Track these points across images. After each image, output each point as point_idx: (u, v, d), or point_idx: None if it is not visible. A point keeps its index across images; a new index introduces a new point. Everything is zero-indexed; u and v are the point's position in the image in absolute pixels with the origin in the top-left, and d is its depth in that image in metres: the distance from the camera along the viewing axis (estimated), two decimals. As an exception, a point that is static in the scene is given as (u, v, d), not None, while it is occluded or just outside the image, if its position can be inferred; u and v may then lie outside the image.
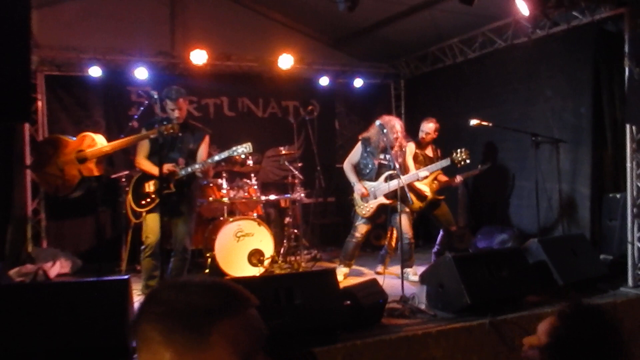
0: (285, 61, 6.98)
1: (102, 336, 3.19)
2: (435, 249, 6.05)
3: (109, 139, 4.96)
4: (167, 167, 4.43)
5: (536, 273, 4.48)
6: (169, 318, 0.87)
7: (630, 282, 4.84)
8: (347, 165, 5.55)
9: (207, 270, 5.80)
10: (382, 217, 5.58)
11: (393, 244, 5.89)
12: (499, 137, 6.50)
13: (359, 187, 5.40)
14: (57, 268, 5.90)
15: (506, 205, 6.63)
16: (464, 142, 6.59)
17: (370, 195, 5.38)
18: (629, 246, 4.91)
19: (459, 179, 5.90)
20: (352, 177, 5.49)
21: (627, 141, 4.97)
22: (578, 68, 5.69)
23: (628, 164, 4.96)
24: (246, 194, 6.07)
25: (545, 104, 6.06)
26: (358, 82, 7.99)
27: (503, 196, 6.66)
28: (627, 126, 4.95)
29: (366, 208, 5.40)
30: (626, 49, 4.77)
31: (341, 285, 4.01)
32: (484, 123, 5.95)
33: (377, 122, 5.19)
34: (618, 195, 5.42)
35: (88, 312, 3.23)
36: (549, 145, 5.71)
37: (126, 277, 3.64)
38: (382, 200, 5.33)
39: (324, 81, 7.76)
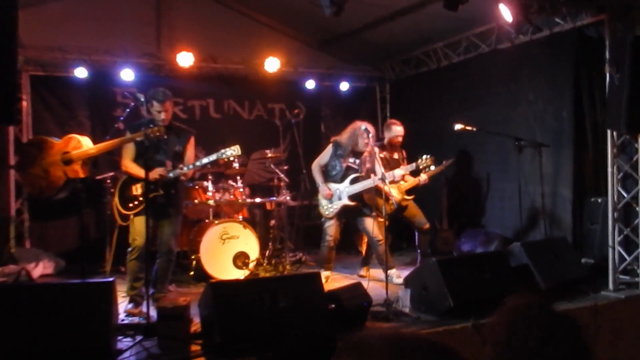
0: (272, 64, 7.00)
1: (86, 338, 3.19)
2: (418, 252, 6.10)
3: (94, 140, 4.94)
4: (158, 171, 4.42)
5: (519, 276, 4.54)
6: None
7: (611, 285, 4.92)
8: (316, 166, 5.62)
9: (191, 273, 5.79)
10: (353, 220, 5.63)
11: (363, 249, 5.97)
12: (482, 139, 6.57)
13: (323, 188, 5.49)
14: (40, 269, 5.85)
15: (489, 208, 6.71)
16: (447, 144, 6.68)
17: (334, 196, 5.45)
18: (610, 250, 4.99)
19: (423, 177, 5.93)
20: (318, 177, 5.57)
21: (608, 146, 5.06)
22: (560, 73, 5.78)
23: (609, 169, 5.05)
24: (232, 196, 6.07)
25: (527, 108, 6.15)
26: (344, 85, 8.03)
27: (486, 199, 6.74)
28: (609, 131, 5.04)
29: (330, 209, 5.49)
30: (607, 54, 4.86)
31: (326, 289, 4.03)
32: (468, 128, 6.03)
33: (350, 127, 5.33)
34: (599, 199, 5.52)
35: (72, 314, 3.22)
36: (532, 148, 5.80)
37: (111, 279, 3.64)
38: (346, 202, 5.41)
39: (310, 84, 7.78)
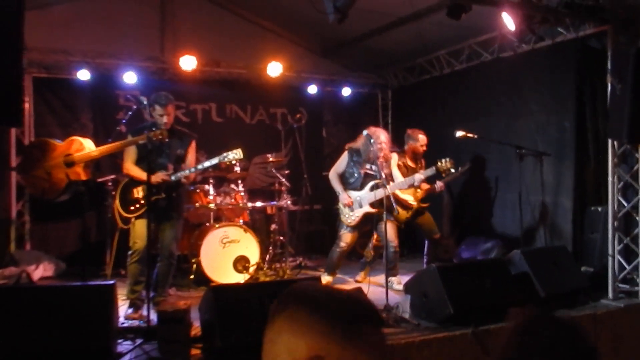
0: (275, 69, 7.02)
1: (87, 341, 3.19)
2: (425, 260, 6.10)
3: (96, 143, 4.95)
4: (161, 175, 4.43)
5: (519, 284, 4.54)
6: (327, 311, 0.95)
7: (610, 294, 4.93)
8: (333, 174, 5.59)
9: (192, 276, 5.79)
10: (368, 227, 5.63)
11: (372, 252, 5.94)
12: (484, 148, 6.59)
13: (343, 197, 5.45)
14: (41, 271, 5.84)
15: (490, 216, 6.72)
16: (449, 153, 6.65)
17: (355, 204, 5.43)
18: (610, 259, 5.01)
19: (439, 184, 5.94)
20: (337, 186, 5.53)
21: (609, 156, 5.08)
22: (562, 83, 5.81)
23: (610, 178, 5.06)
24: (233, 200, 6.08)
25: (529, 117, 6.17)
26: (346, 91, 8.06)
27: (487, 207, 6.75)
28: (609, 141, 5.06)
29: (352, 217, 5.44)
30: (609, 65, 4.89)
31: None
32: (470, 135, 6.04)
33: (365, 133, 5.25)
34: (600, 209, 5.52)
35: (73, 316, 3.23)
36: (533, 158, 5.81)
37: (112, 282, 3.65)
38: (368, 209, 5.37)
39: (313, 89, 7.81)
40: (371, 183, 5.39)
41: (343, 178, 5.56)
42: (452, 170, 5.53)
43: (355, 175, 5.47)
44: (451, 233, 6.61)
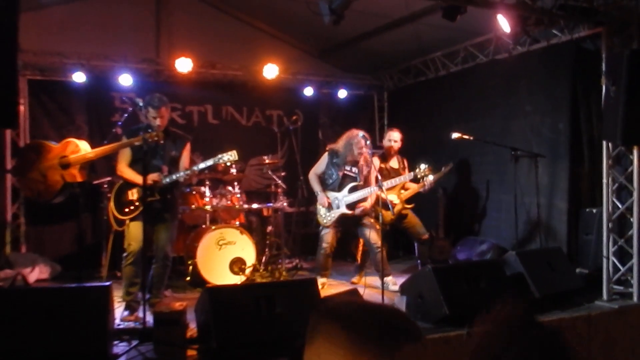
0: (270, 71, 7.03)
1: (82, 342, 3.19)
2: (418, 262, 6.11)
3: (92, 145, 4.94)
4: (152, 177, 4.42)
5: (513, 285, 4.56)
6: (361, 333, 0.94)
7: (605, 295, 4.94)
8: (312, 175, 5.65)
9: (188, 278, 5.79)
10: (350, 228, 5.65)
11: (359, 257, 5.97)
12: (479, 150, 6.61)
13: (321, 197, 5.51)
14: (36, 273, 5.83)
15: (485, 217, 6.74)
16: (444, 154, 6.71)
17: (332, 205, 5.47)
18: (605, 260, 5.02)
19: (429, 181, 5.91)
20: (316, 186, 5.59)
21: (603, 157, 5.10)
22: (556, 84, 5.83)
23: (604, 180, 5.08)
24: (229, 202, 6.08)
25: (524, 119, 6.19)
26: (342, 93, 8.08)
27: (483, 209, 6.77)
28: (604, 143, 5.08)
29: (327, 217, 5.51)
30: (603, 67, 4.90)
31: (322, 295, 4.04)
32: (465, 136, 6.07)
33: (345, 135, 5.32)
34: (594, 210, 5.55)
35: (68, 318, 3.22)
36: (528, 159, 5.83)
37: (107, 283, 3.64)
38: (344, 210, 5.43)
39: (309, 91, 7.82)
40: (350, 185, 5.43)
41: (321, 179, 5.60)
42: (430, 178, 5.59)
43: (334, 176, 5.52)
44: (446, 234, 6.62)
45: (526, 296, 4.51)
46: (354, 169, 5.45)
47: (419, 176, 5.52)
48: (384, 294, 4.47)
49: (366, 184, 5.43)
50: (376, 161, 5.76)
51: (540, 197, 5.70)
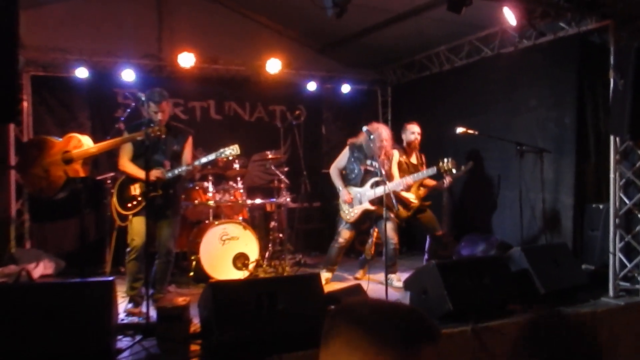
0: (273, 66, 7.00)
1: (86, 337, 3.18)
2: (425, 257, 6.08)
3: (94, 141, 4.93)
4: (155, 173, 4.41)
5: (518, 281, 4.53)
6: (379, 336, 0.92)
7: (611, 292, 4.91)
8: (334, 170, 5.57)
9: (191, 274, 5.78)
10: (367, 224, 5.61)
11: (372, 250, 5.92)
12: (483, 145, 6.57)
13: (344, 193, 5.43)
14: (41, 269, 5.82)
15: (490, 213, 6.70)
16: (447, 150, 6.67)
17: (355, 200, 5.41)
18: (611, 257, 4.98)
19: (448, 179, 5.88)
20: (338, 182, 5.52)
21: (610, 152, 5.05)
22: (563, 78, 5.78)
23: (611, 175, 5.03)
24: (232, 197, 6.06)
25: (529, 114, 6.15)
26: (345, 88, 8.04)
27: (487, 204, 6.73)
28: (611, 137, 5.03)
29: (351, 213, 5.43)
30: (611, 60, 4.85)
31: (325, 290, 4.02)
32: (470, 131, 6.02)
33: (365, 129, 5.20)
34: (600, 206, 5.50)
35: (72, 314, 3.21)
36: (533, 154, 5.78)
37: (111, 278, 3.62)
38: (367, 206, 5.36)
39: (312, 86, 7.79)
40: (372, 180, 5.37)
41: (343, 174, 5.54)
42: (454, 171, 5.49)
43: (356, 171, 5.45)
44: (450, 231, 6.59)
45: (531, 292, 4.48)
46: (375, 164, 5.31)
47: (442, 170, 5.37)
48: (387, 290, 4.44)
49: (388, 178, 5.31)
50: (396, 155, 5.67)
51: (545, 192, 5.65)
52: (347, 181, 5.50)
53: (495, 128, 6.34)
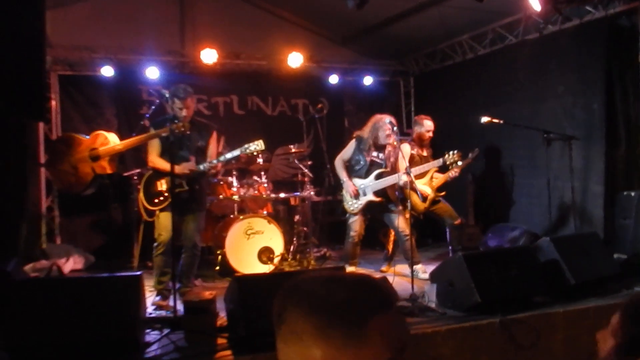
0: (295, 59, 6.99)
1: (115, 331, 3.23)
2: (450, 249, 6.02)
3: (120, 138, 5.01)
4: (188, 166, 4.46)
5: (547, 272, 4.44)
6: (325, 312, 0.86)
7: (644, 281, 4.79)
8: (339, 162, 5.56)
9: (217, 268, 5.83)
10: (378, 215, 5.57)
11: (391, 247, 5.88)
12: (508, 134, 6.46)
13: (348, 184, 5.42)
14: (71, 264, 5.97)
15: (516, 203, 6.59)
16: (472, 139, 6.58)
17: (359, 192, 5.40)
18: (643, 244, 4.86)
19: (455, 170, 5.80)
20: (342, 173, 5.51)
21: (640, 138, 4.92)
22: (590, 64, 5.63)
23: (642, 161, 4.91)
24: (256, 191, 6.09)
25: (555, 101, 6.01)
26: (367, 80, 7.98)
27: (513, 194, 6.62)
28: (641, 123, 4.90)
29: (354, 205, 5.43)
30: (640, 44, 4.72)
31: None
32: (495, 120, 5.91)
33: (371, 120, 5.18)
34: (632, 193, 5.36)
35: (101, 307, 3.27)
36: (560, 142, 5.66)
37: (139, 273, 3.68)
38: (371, 197, 5.34)
39: (333, 79, 7.76)
40: (376, 171, 5.35)
41: (349, 165, 5.53)
42: (459, 163, 5.44)
43: (361, 162, 5.43)
44: (476, 221, 6.50)
45: (561, 283, 4.39)
46: (381, 155, 5.34)
47: (447, 162, 5.37)
48: (413, 282, 4.41)
49: (393, 170, 5.34)
50: (407, 148, 5.64)
51: (574, 180, 5.53)
52: (352, 172, 5.49)
53: (521, 116, 6.23)
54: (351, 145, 5.53)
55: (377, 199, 5.32)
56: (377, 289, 0.91)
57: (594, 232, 5.23)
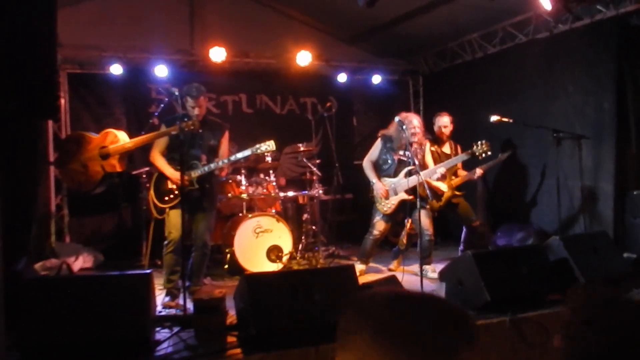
0: (304, 58, 6.99)
1: (125, 329, 3.25)
2: (461, 248, 6.00)
3: (130, 136, 5.02)
4: (176, 179, 4.45)
5: (557, 271, 4.42)
6: (390, 336, 0.81)
7: (655, 280, 4.75)
8: (367, 163, 5.53)
9: (226, 266, 5.85)
10: (401, 215, 5.56)
11: (405, 240, 5.85)
12: (518, 133, 6.42)
13: (378, 186, 5.38)
14: (80, 262, 6.00)
15: (526, 202, 6.56)
16: (482, 139, 6.53)
17: (390, 192, 5.37)
18: (654, 244, 4.83)
19: (479, 171, 5.82)
20: (371, 174, 5.48)
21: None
22: (601, 62, 5.59)
23: (653, 161, 4.87)
24: (265, 190, 6.10)
25: (566, 100, 5.98)
26: (376, 79, 7.97)
27: (523, 193, 6.59)
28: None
29: (387, 205, 5.38)
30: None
31: (360, 281, 4.01)
32: (505, 119, 5.88)
33: (397, 119, 5.14)
34: (643, 193, 5.33)
35: (111, 305, 3.28)
36: (570, 141, 5.63)
37: (148, 271, 3.69)
38: (404, 196, 5.30)
39: (342, 78, 7.75)
40: (405, 169, 5.32)
41: (377, 165, 5.50)
42: (489, 153, 5.38)
43: (389, 161, 5.41)
44: (486, 220, 6.47)
45: (570, 282, 4.37)
46: (407, 153, 5.25)
47: (477, 153, 5.29)
48: (422, 281, 4.40)
49: (422, 167, 5.23)
50: (428, 145, 5.60)
51: (584, 180, 5.50)
52: (380, 172, 5.46)
53: (530, 115, 6.19)
54: (377, 145, 5.50)
55: (409, 197, 5.28)
56: (465, 321, 0.85)
57: (603, 231, 5.20)
